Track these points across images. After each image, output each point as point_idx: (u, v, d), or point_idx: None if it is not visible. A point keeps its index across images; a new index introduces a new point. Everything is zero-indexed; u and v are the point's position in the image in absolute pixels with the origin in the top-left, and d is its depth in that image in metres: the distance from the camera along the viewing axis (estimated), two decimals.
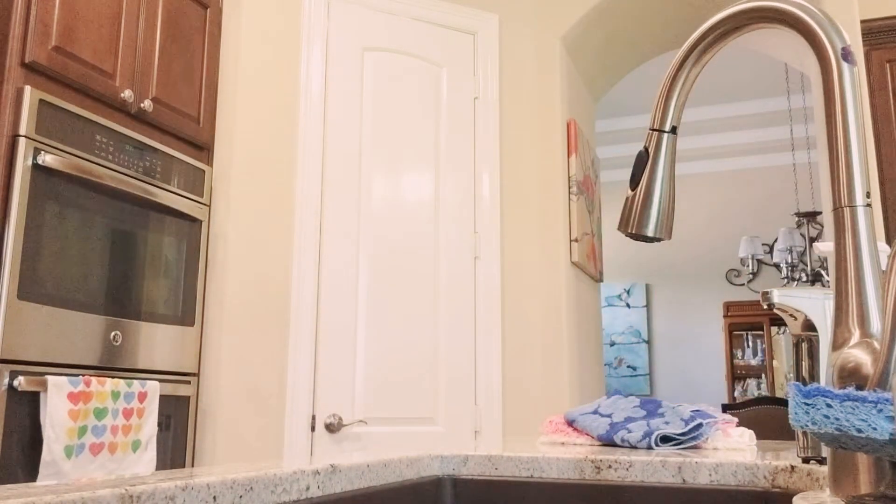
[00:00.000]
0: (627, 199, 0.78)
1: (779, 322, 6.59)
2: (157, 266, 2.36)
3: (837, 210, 0.62)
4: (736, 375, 6.76)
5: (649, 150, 0.77)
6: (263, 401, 2.56)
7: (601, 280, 3.78)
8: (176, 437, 2.40)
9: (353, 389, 2.66)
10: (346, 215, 2.77)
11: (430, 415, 2.77)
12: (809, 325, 0.91)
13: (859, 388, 0.55)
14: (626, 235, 0.78)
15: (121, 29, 2.30)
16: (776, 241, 6.20)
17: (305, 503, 0.80)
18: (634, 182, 0.78)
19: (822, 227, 5.60)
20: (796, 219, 6.46)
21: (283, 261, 2.66)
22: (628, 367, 7.12)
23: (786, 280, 5.84)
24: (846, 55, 0.64)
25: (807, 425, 0.53)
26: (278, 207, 2.69)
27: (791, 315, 0.92)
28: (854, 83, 0.64)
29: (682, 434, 1.20)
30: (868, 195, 0.62)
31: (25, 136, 1.95)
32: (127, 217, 2.26)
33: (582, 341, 3.28)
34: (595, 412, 1.35)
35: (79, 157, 2.10)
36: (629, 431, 1.22)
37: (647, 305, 7.18)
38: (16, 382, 1.87)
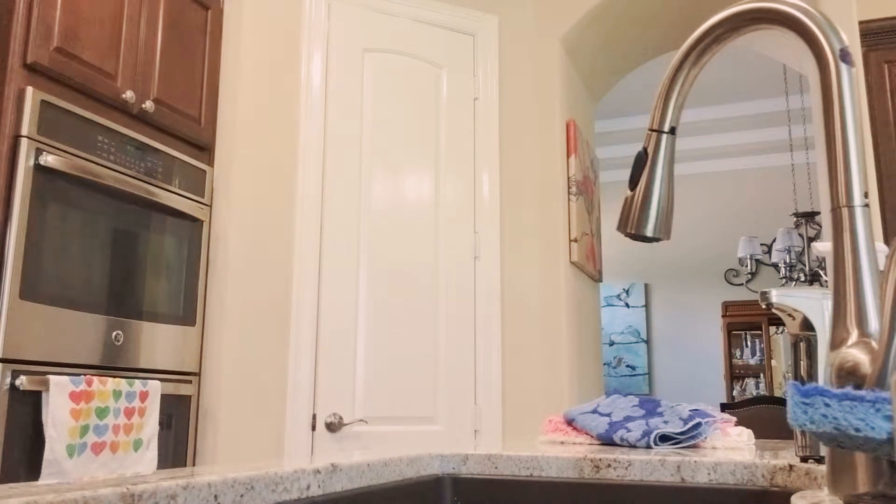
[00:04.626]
0: (626, 199, 0.79)
1: (777, 322, 6.60)
2: (158, 266, 2.36)
3: (836, 210, 0.62)
4: (734, 375, 6.76)
5: (648, 151, 0.78)
6: (264, 400, 2.56)
7: (600, 280, 3.79)
8: (177, 437, 2.40)
9: (354, 389, 2.67)
10: (347, 215, 2.77)
11: (430, 414, 2.78)
12: (808, 325, 0.92)
13: (857, 387, 0.55)
14: (626, 235, 0.79)
15: (122, 30, 2.30)
16: (774, 241, 6.20)
17: (306, 502, 0.81)
18: (633, 182, 0.78)
19: (821, 227, 5.60)
20: (794, 219, 6.46)
21: (284, 261, 2.66)
22: (627, 366, 7.13)
23: (784, 280, 5.84)
24: (844, 56, 0.64)
25: (805, 424, 0.53)
26: (279, 207, 2.69)
27: (789, 315, 0.93)
28: (852, 84, 0.64)
29: (681, 433, 1.20)
30: (866, 195, 0.62)
31: (27, 137, 1.96)
32: (128, 217, 2.26)
33: (581, 341, 3.28)
34: (594, 411, 1.36)
35: (80, 157, 2.11)
36: (628, 430, 1.23)
37: (646, 305, 7.18)
38: (18, 382, 1.87)
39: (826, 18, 0.65)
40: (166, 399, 2.33)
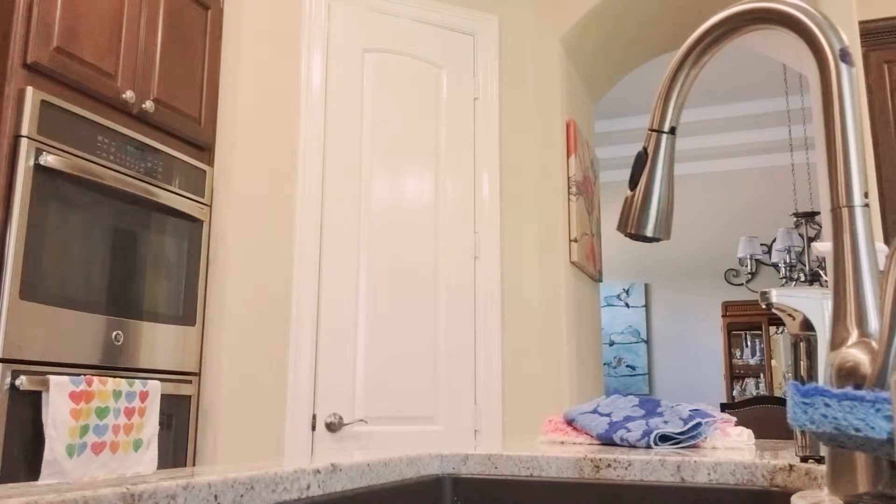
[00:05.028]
0: (626, 199, 0.79)
1: (777, 322, 6.60)
2: (158, 266, 2.36)
3: (836, 210, 0.62)
4: (734, 375, 6.76)
5: (648, 151, 0.78)
6: (264, 400, 2.56)
7: (600, 280, 3.79)
8: (177, 437, 2.40)
9: (354, 389, 2.67)
10: (347, 215, 2.77)
11: (430, 414, 2.78)
12: (808, 325, 0.92)
13: (857, 387, 0.55)
14: (626, 235, 0.79)
15: (122, 30, 2.30)
16: (774, 241, 6.20)
17: (306, 502, 0.81)
18: (633, 182, 0.78)
19: (821, 227, 5.60)
20: (794, 219, 6.46)
21: (284, 260, 2.66)
22: (627, 366, 7.13)
23: (784, 280, 5.85)
24: (844, 56, 0.64)
25: (805, 424, 0.53)
26: (279, 207, 2.69)
27: (789, 315, 0.93)
28: (852, 84, 0.64)
29: (681, 433, 1.20)
30: (866, 195, 0.62)
31: (27, 137, 1.96)
32: (128, 217, 2.26)
33: (581, 341, 3.28)
34: (594, 411, 1.36)
35: (80, 157, 2.11)
36: (628, 430, 1.23)
37: (646, 305, 7.18)
38: (18, 382, 1.87)
39: (826, 18, 0.65)
40: (166, 399, 2.33)
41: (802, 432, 0.91)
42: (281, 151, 2.73)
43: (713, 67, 6.00)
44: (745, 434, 1.24)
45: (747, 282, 6.76)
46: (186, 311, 2.47)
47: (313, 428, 2.59)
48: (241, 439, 2.52)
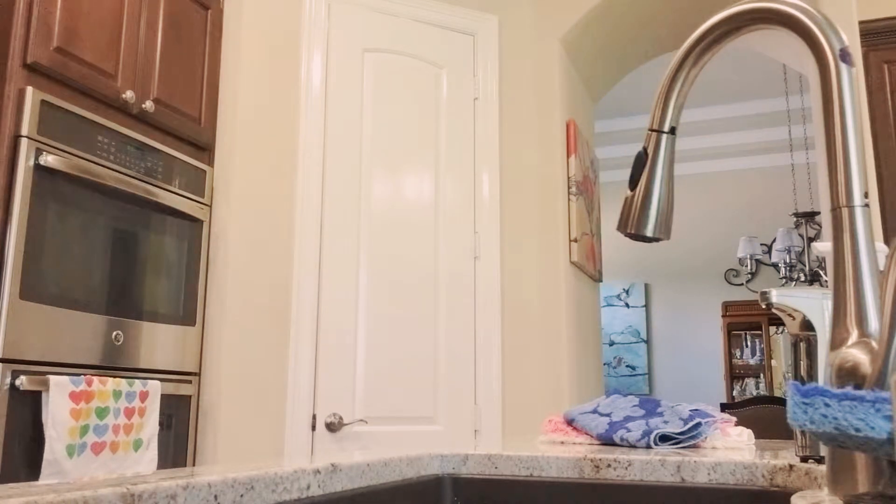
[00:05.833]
0: (626, 199, 0.79)
1: (777, 322, 6.60)
2: (158, 266, 2.36)
3: (836, 210, 0.62)
4: (734, 375, 6.76)
5: (648, 151, 0.78)
6: (264, 400, 2.56)
7: (600, 280, 3.79)
8: (177, 437, 2.40)
9: (354, 389, 2.67)
10: (347, 215, 2.77)
11: (430, 414, 2.78)
12: (808, 325, 0.92)
13: (857, 387, 0.55)
14: (626, 235, 0.79)
15: (122, 30, 2.30)
16: (774, 241, 6.20)
17: (306, 502, 0.81)
18: (633, 182, 0.78)
19: (821, 227, 5.60)
20: (794, 219, 6.46)
21: (284, 260, 2.66)
22: (627, 366, 7.13)
23: (784, 280, 5.85)
24: (844, 56, 0.64)
25: (805, 424, 0.53)
26: (279, 207, 2.69)
27: (789, 315, 0.93)
28: (852, 84, 0.64)
29: (681, 433, 1.20)
30: (866, 195, 0.62)
31: (27, 137, 1.96)
32: (128, 217, 2.26)
33: (581, 341, 3.28)
34: (594, 411, 1.36)
35: (80, 157, 2.11)
36: (628, 430, 1.23)
37: (646, 305, 7.18)
38: (18, 382, 1.87)
39: (826, 18, 0.65)
40: (166, 399, 2.33)
41: (802, 432, 0.91)
42: (281, 151, 2.73)
43: (713, 67, 6.00)
44: (745, 434, 1.24)
45: (747, 282, 6.76)
46: (186, 311, 2.47)
47: (313, 428, 2.59)
48: (241, 439, 2.52)
